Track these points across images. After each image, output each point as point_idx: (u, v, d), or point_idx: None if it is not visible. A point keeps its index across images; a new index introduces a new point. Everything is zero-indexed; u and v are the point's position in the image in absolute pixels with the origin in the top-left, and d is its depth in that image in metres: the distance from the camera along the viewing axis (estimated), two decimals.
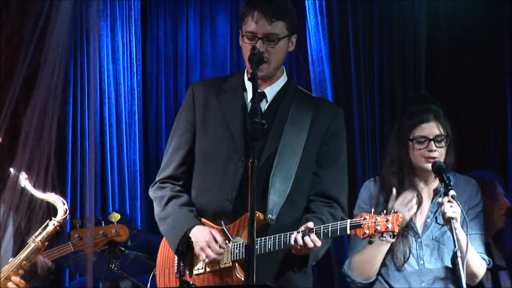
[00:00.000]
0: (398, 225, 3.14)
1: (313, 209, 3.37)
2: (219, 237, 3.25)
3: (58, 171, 2.07)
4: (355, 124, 5.89)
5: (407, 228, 3.55)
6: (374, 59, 5.89)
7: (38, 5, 1.80)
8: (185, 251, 3.31)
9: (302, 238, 3.17)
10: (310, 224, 3.20)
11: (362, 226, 3.15)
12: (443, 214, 3.38)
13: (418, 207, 3.57)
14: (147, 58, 6.39)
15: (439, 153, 3.57)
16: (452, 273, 3.53)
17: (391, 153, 3.69)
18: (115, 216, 4.37)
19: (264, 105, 3.37)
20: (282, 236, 3.21)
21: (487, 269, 3.61)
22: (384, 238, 3.22)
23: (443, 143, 3.59)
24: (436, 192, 3.62)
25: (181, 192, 3.43)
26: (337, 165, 3.43)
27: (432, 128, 3.61)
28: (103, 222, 4.33)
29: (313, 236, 3.17)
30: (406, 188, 3.57)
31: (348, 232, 3.17)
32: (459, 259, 3.24)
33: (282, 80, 3.43)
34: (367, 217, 3.17)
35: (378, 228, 3.14)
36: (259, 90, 3.32)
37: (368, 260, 3.56)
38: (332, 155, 3.42)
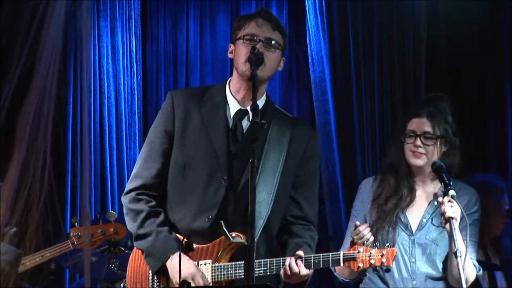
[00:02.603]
0: (393, 260, 3.14)
1: (296, 232, 3.38)
2: (199, 277, 3.21)
3: (56, 170, 2.07)
4: (355, 124, 5.89)
5: (395, 221, 3.55)
6: (374, 59, 5.89)
7: (32, 4, 1.80)
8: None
9: (290, 262, 3.16)
10: (301, 253, 3.19)
11: (356, 259, 3.15)
12: (443, 213, 3.37)
13: (409, 204, 3.57)
14: (147, 58, 6.40)
15: (426, 150, 3.57)
16: (443, 275, 3.53)
17: (389, 150, 3.72)
18: (113, 215, 4.38)
19: (245, 123, 3.33)
20: (268, 262, 3.19)
21: (483, 261, 3.60)
22: (376, 272, 3.23)
23: (431, 142, 3.58)
24: (435, 196, 3.61)
25: (157, 207, 3.35)
26: (314, 188, 3.46)
27: (422, 124, 3.60)
28: (101, 220, 4.35)
29: (300, 262, 3.15)
30: (404, 187, 3.58)
31: (341, 264, 3.16)
32: (459, 259, 3.23)
33: (263, 99, 3.41)
34: (361, 249, 3.16)
35: (373, 262, 3.14)
36: (242, 107, 3.34)
37: (346, 270, 3.56)
38: (309, 178, 3.43)
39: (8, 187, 2.05)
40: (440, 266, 3.53)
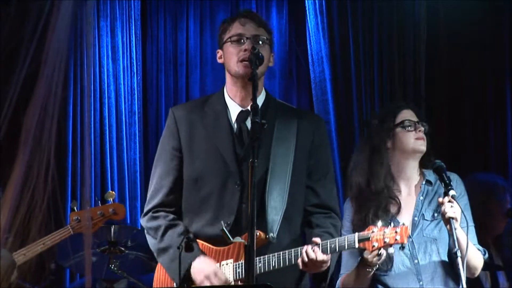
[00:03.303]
0: (407, 237, 3.14)
1: (316, 223, 3.39)
2: (221, 273, 3.23)
3: (58, 171, 2.07)
4: (355, 124, 5.89)
5: None
6: (374, 59, 5.90)
7: (38, 5, 1.80)
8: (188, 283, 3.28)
9: (307, 250, 3.17)
10: (317, 240, 3.20)
11: (370, 239, 3.16)
12: (443, 214, 3.36)
13: (398, 211, 3.56)
14: (147, 58, 6.39)
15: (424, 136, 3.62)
16: (449, 268, 3.52)
17: (364, 154, 3.69)
18: (111, 194, 4.33)
19: (249, 124, 3.28)
20: (287, 253, 3.20)
21: (485, 261, 3.60)
22: (392, 251, 3.25)
23: (424, 130, 3.62)
24: (418, 190, 3.61)
25: (175, 220, 3.38)
26: (328, 175, 3.48)
27: (412, 114, 3.64)
28: (99, 202, 4.30)
29: (316, 248, 3.17)
30: (385, 195, 3.57)
31: (356, 245, 3.17)
32: (459, 259, 3.22)
33: (263, 95, 3.44)
34: (375, 229, 3.17)
35: (387, 240, 3.14)
36: (243, 109, 3.37)
37: (356, 284, 3.54)
38: (322, 166, 3.45)
39: (12, 189, 2.05)
40: (444, 258, 3.52)
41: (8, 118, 1.82)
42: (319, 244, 3.18)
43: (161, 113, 6.30)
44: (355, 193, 3.66)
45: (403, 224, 3.18)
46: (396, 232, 3.14)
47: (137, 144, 6.15)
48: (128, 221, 5.96)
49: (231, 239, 3.20)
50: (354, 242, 3.17)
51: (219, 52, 3.45)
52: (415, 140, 3.59)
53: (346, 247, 3.19)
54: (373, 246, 3.15)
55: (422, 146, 3.59)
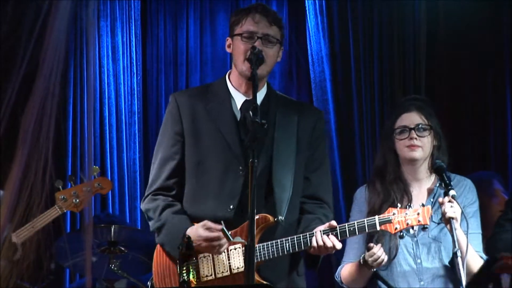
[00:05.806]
0: (429, 218, 3.14)
1: (308, 210, 3.42)
2: (210, 224, 3.23)
3: (56, 171, 2.08)
4: (355, 124, 5.89)
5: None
6: (374, 59, 5.90)
7: (36, 4, 1.80)
8: (187, 254, 3.28)
9: (322, 237, 3.18)
10: (334, 223, 3.22)
11: (391, 221, 3.15)
12: (444, 214, 3.36)
13: (407, 207, 3.56)
14: (147, 58, 6.39)
15: (421, 142, 3.57)
16: (451, 271, 3.52)
17: (378, 155, 3.71)
18: (95, 169, 4.30)
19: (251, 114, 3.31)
20: (301, 237, 3.22)
21: None
22: (413, 231, 3.25)
23: (426, 133, 3.58)
24: (430, 191, 3.61)
25: (173, 201, 3.39)
26: (324, 167, 3.50)
27: (412, 117, 3.61)
28: (84, 179, 4.27)
29: (332, 236, 3.18)
30: (395, 192, 3.56)
31: (378, 228, 3.18)
32: (459, 259, 3.22)
33: (264, 89, 3.46)
34: (396, 211, 3.16)
35: (409, 222, 3.16)
36: (247, 99, 3.39)
37: (355, 277, 3.55)
38: (318, 157, 3.47)
39: (10, 188, 2.05)
40: (446, 262, 3.52)
41: (7, 117, 1.82)
42: (337, 228, 3.19)
43: (161, 113, 6.30)
44: (373, 178, 3.68)
45: (422, 204, 3.18)
46: (418, 213, 3.14)
47: (137, 144, 6.16)
48: (128, 221, 5.96)
49: (232, 239, 3.21)
50: (375, 224, 3.17)
51: (228, 40, 3.45)
52: (405, 148, 3.58)
53: (366, 229, 3.19)
54: (395, 228, 3.15)
55: (413, 153, 3.57)
